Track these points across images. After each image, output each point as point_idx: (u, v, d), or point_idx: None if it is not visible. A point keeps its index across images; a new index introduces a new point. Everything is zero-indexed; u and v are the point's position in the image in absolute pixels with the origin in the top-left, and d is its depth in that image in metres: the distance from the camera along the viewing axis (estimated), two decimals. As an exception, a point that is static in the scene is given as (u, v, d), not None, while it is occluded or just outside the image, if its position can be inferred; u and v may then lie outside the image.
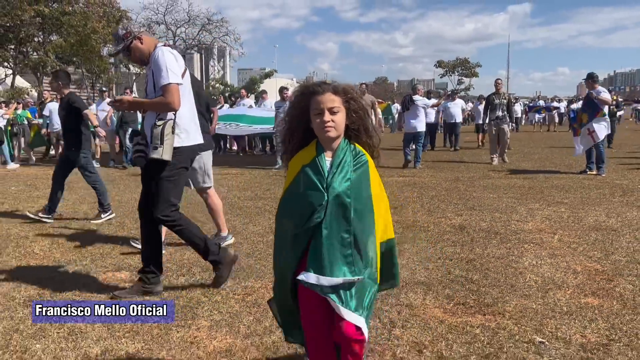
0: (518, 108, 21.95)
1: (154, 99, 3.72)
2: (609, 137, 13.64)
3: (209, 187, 5.28)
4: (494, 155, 12.59)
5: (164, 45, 3.79)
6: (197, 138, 3.94)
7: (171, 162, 3.66)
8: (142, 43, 3.78)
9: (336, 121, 2.17)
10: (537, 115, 29.60)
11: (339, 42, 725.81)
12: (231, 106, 16.95)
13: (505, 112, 12.67)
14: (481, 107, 16.43)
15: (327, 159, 2.20)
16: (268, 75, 59.81)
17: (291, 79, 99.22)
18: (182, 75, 3.76)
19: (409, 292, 3.82)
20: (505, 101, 12.78)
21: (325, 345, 2.27)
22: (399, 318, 3.38)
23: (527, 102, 34.39)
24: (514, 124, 18.35)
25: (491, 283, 4.03)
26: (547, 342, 3.01)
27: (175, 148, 3.66)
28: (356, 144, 2.25)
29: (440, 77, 79.70)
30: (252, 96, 18.71)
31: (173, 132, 3.65)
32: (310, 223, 2.13)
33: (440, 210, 6.86)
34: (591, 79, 10.63)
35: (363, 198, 2.17)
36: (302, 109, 2.22)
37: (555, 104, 30.65)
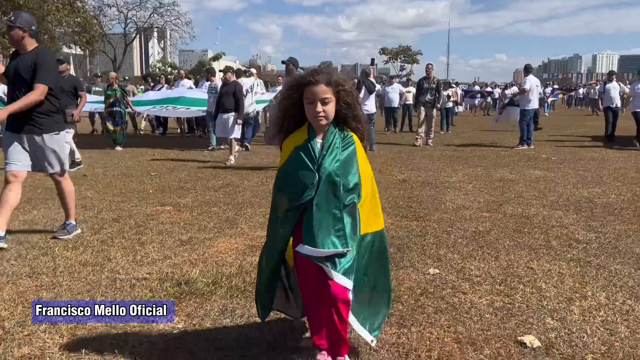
0: (459, 92, 24.02)
1: None
2: (535, 120, 14.78)
3: (59, 172, 4.78)
4: (419, 136, 13.42)
5: None
6: None
7: None
8: None
9: (327, 111, 2.33)
10: (473, 100, 32.39)
11: (283, 24, 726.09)
12: (170, 87, 16.81)
13: (435, 96, 13.39)
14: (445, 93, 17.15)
15: (318, 141, 2.38)
16: (217, 57, 60.94)
17: (234, 61, 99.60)
18: None
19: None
20: (434, 85, 13.45)
21: (317, 302, 2.46)
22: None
23: (464, 88, 37.06)
24: (450, 105, 19.23)
25: (423, 207, 6.10)
26: (453, 230, 5.10)
27: None
28: (345, 127, 2.44)
29: (384, 64, 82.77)
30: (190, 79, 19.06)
31: None
32: (301, 200, 2.31)
33: (388, 171, 8.92)
34: (525, 70, 13.20)
35: (351, 175, 2.34)
36: (297, 98, 2.39)
37: (489, 89, 33.55)
